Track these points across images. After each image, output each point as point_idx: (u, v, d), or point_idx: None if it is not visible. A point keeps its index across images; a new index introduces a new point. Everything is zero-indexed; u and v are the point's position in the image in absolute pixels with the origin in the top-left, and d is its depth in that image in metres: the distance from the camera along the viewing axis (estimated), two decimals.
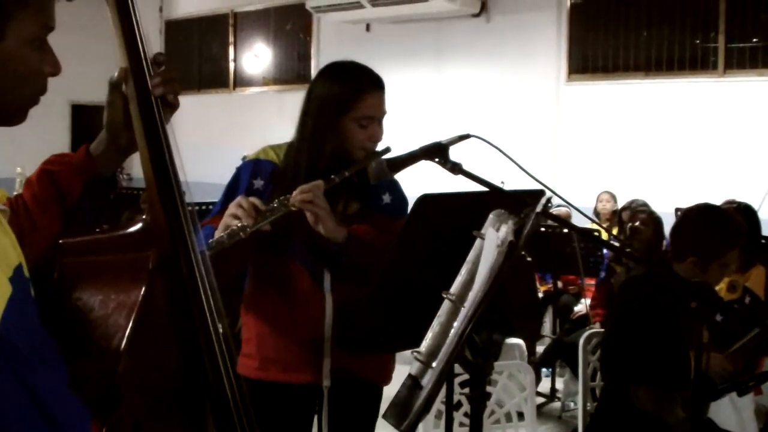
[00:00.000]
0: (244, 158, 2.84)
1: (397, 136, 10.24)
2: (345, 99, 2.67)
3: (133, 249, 1.57)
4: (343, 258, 2.61)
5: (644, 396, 3.26)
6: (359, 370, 2.76)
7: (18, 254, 1.30)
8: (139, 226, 1.62)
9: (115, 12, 1.57)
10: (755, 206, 5.93)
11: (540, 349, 6.90)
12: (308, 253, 2.67)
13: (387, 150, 2.72)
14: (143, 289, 1.49)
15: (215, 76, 13.45)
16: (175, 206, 1.57)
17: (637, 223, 6.05)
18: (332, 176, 2.57)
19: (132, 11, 1.57)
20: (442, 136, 2.27)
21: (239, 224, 2.39)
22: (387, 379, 2.86)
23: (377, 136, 2.74)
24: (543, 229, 6.47)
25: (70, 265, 1.58)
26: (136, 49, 1.58)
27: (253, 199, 2.49)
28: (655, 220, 6.03)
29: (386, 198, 2.82)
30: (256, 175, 2.73)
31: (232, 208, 2.47)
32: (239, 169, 2.81)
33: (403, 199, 2.87)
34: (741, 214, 4.99)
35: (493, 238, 1.80)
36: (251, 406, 1.66)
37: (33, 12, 1.34)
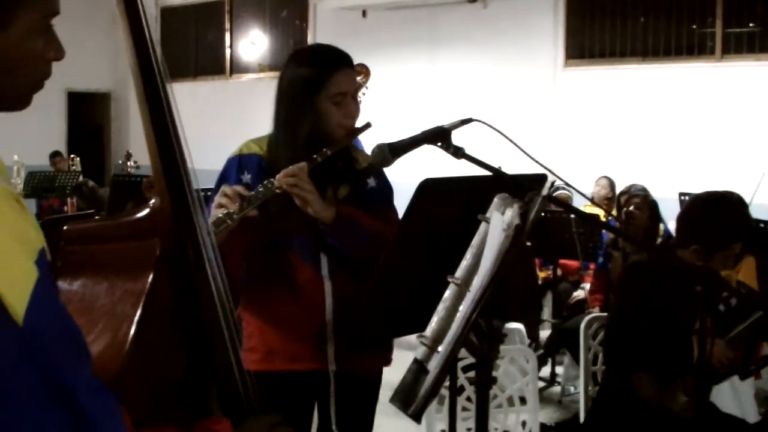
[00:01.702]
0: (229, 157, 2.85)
1: (393, 121, 10.17)
2: (315, 78, 2.69)
3: (139, 236, 1.55)
4: (333, 238, 2.64)
5: (645, 382, 3.26)
6: (362, 354, 2.79)
7: (40, 237, 1.29)
8: (146, 212, 1.60)
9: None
10: (752, 190, 5.93)
11: (542, 334, 6.91)
12: (304, 240, 2.69)
13: (368, 125, 2.78)
14: (150, 276, 1.48)
15: (211, 64, 13.43)
16: (183, 193, 1.55)
17: (631, 208, 6.04)
18: (314, 156, 2.59)
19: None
20: (438, 122, 2.26)
21: (225, 212, 2.42)
22: (388, 361, 2.91)
23: (353, 113, 2.75)
24: (542, 213, 6.45)
25: (75, 252, 1.56)
26: (142, 35, 1.55)
27: (237, 187, 2.51)
28: (650, 204, 6.01)
29: (371, 182, 2.84)
30: (243, 170, 2.75)
31: (217, 198, 2.51)
32: (226, 167, 2.81)
33: (388, 185, 2.91)
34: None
35: (498, 222, 1.79)
36: (260, 398, 1.66)
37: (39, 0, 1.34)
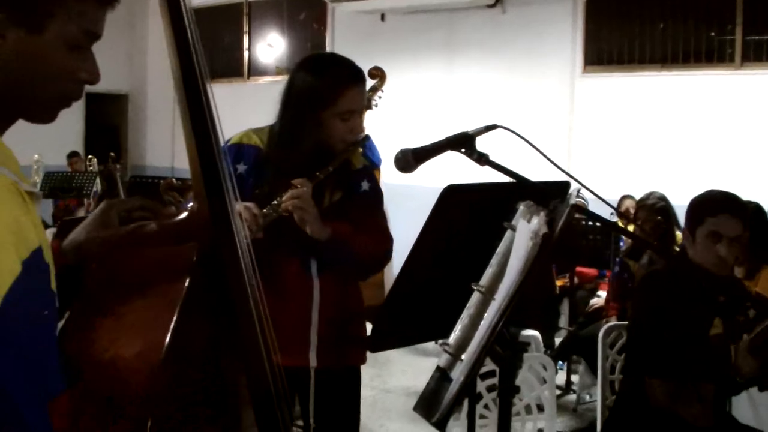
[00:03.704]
0: (227, 142, 2.88)
1: (410, 125, 10.14)
2: (327, 94, 2.74)
3: (178, 239, 1.55)
4: (324, 254, 2.74)
5: (658, 389, 3.25)
6: (342, 352, 2.87)
7: (39, 237, 1.28)
8: (184, 215, 1.59)
9: (164, 2, 1.54)
10: None
11: (557, 341, 6.89)
12: (296, 240, 2.73)
13: (366, 138, 2.82)
14: (187, 281, 1.46)
15: (229, 66, 13.43)
16: (222, 197, 1.55)
17: (639, 223, 6.05)
18: (317, 173, 2.68)
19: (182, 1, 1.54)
20: (455, 127, 2.25)
21: None
22: (364, 359, 2.98)
23: (358, 128, 2.82)
24: (571, 221, 6.42)
25: (111, 253, 1.55)
26: (185, 40, 1.54)
27: (251, 206, 2.52)
28: (659, 211, 6.01)
29: (365, 185, 2.91)
30: (240, 160, 2.79)
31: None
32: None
33: (379, 189, 2.97)
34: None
35: (525, 230, 1.78)
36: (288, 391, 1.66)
37: (75, 14, 1.36)
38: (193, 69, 1.52)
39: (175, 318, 1.42)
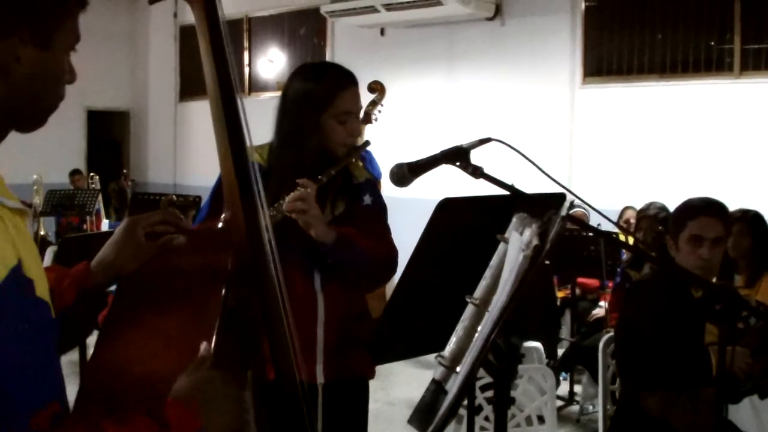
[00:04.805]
0: None
1: (410, 137, 10.16)
2: (322, 96, 2.74)
3: (214, 248, 1.56)
4: (330, 259, 2.68)
5: (651, 402, 3.26)
6: (349, 366, 2.83)
7: (16, 252, 1.28)
8: (220, 225, 1.61)
9: (202, 13, 1.57)
10: None
11: (560, 352, 6.89)
12: (299, 253, 2.71)
13: (367, 143, 2.86)
14: (223, 291, 1.47)
15: None
16: (255, 207, 1.57)
17: (639, 234, 6.07)
18: (319, 176, 2.65)
19: (217, 12, 1.58)
20: (455, 139, 2.26)
21: None
22: (372, 372, 2.94)
23: (356, 131, 2.82)
24: (565, 233, 6.42)
25: (146, 263, 1.57)
26: (221, 51, 1.57)
27: None
28: (662, 221, 6.02)
29: (367, 199, 2.89)
30: None
31: None
32: None
33: (382, 203, 2.96)
34: (747, 222, 4.97)
35: (517, 242, 1.79)
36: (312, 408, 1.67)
37: (75, 22, 1.39)
38: (230, 82, 1.56)
39: (216, 328, 1.41)
